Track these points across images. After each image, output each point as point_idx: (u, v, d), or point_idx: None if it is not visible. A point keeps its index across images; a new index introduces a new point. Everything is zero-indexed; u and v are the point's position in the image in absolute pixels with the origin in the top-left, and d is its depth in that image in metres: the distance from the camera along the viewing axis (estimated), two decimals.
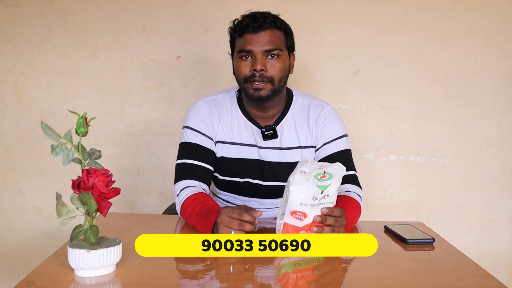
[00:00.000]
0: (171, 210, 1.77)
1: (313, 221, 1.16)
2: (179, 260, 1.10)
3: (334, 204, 1.19)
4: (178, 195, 1.43)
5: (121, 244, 0.98)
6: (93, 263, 0.93)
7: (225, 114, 1.55)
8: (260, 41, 1.41)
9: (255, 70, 1.41)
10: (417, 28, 2.13)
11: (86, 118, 0.98)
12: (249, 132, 1.54)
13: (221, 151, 1.54)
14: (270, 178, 1.54)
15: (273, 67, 1.43)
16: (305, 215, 1.15)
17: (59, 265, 0.99)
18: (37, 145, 2.17)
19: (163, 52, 2.14)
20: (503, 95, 2.16)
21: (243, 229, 1.16)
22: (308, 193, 1.14)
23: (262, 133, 1.52)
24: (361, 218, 1.47)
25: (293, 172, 1.17)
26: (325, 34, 2.13)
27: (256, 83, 1.42)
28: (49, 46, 2.13)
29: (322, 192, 1.15)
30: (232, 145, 1.53)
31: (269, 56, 1.42)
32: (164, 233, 1.29)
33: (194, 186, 1.44)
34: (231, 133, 1.54)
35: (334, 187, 1.16)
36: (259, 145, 1.53)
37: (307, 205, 1.15)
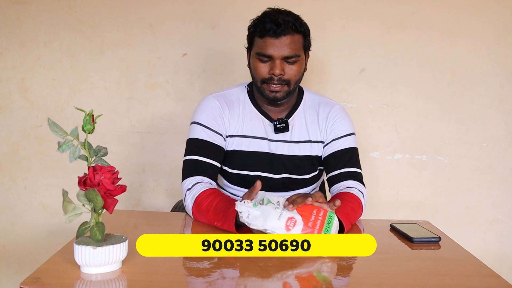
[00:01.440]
0: (178, 207, 1.77)
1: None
2: (185, 258, 1.10)
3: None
4: (190, 189, 1.42)
5: (127, 241, 0.98)
6: (99, 260, 0.93)
7: (235, 108, 1.56)
8: (281, 47, 1.42)
9: (273, 74, 1.44)
10: (424, 26, 2.12)
11: (93, 115, 0.98)
12: (261, 125, 1.55)
13: (232, 145, 1.54)
14: (280, 171, 1.55)
15: (291, 71, 1.46)
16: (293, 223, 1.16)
17: (65, 262, 0.99)
18: (44, 142, 2.18)
19: (169, 49, 2.14)
20: (510, 94, 2.15)
21: None
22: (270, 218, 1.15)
23: (275, 125, 1.54)
24: (366, 217, 1.47)
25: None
26: (331, 32, 2.13)
27: (273, 85, 1.46)
28: (55, 44, 2.14)
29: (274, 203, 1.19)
30: (243, 138, 1.54)
31: (288, 61, 1.44)
32: (165, 233, 1.29)
33: (206, 182, 1.45)
34: (242, 126, 1.55)
35: (272, 198, 1.21)
36: (269, 138, 1.55)
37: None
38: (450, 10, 2.11)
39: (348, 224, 1.29)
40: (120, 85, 2.16)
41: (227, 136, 1.54)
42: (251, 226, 1.15)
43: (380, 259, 1.12)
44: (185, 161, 1.50)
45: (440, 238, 1.25)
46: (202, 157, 1.48)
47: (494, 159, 2.18)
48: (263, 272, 0.99)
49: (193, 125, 1.53)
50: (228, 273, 1.00)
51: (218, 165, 1.52)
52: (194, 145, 1.50)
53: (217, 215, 1.30)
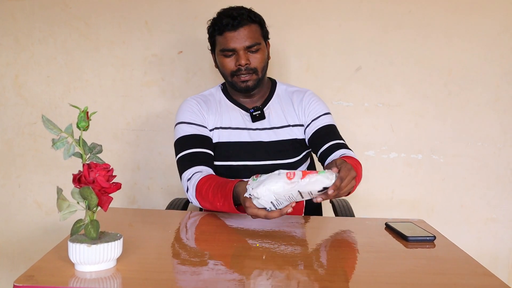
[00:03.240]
0: (174, 205, 1.77)
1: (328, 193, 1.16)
2: (179, 255, 1.10)
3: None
4: (189, 179, 1.47)
5: (121, 239, 0.98)
6: (93, 258, 0.93)
7: (212, 104, 1.66)
8: (241, 38, 1.52)
9: (240, 65, 1.54)
10: (420, 25, 2.12)
11: (87, 113, 0.97)
12: (238, 116, 1.63)
13: (214, 138, 1.61)
14: (263, 157, 1.60)
15: (255, 59, 1.56)
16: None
17: (59, 260, 0.99)
18: (38, 139, 2.17)
19: (165, 47, 2.13)
20: (505, 94, 2.16)
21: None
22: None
23: (251, 113, 1.62)
24: (361, 215, 1.46)
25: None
26: (327, 30, 2.12)
27: (242, 76, 1.55)
28: (50, 40, 2.13)
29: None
30: (222, 130, 1.62)
31: (251, 50, 1.54)
32: (160, 232, 1.29)
33: (204, 171, 1.50)
34: (221, 119, 1.63)
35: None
36: (248, 127, 1.62)
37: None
38: (447, 9, 2.11)
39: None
40: (115, 83, 2.15)
41: (210, 130, 1.62)
42: (256, 201, 1.16)
43: (375, 257, 1.12)
44: (179, 159, 1.55)
45: (435, 237, 1.25)
46: (194, 148, 1.54)
47: (489, 158, 2.19)
48: (259, 269, 0.99)
49: (177, 126, 1.61)
50: (223, 270, 0.99)
51: (211, 153, 1.58)
52: (183, 142, 1.56)
53: (216, 196, 1.35)
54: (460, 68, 2.14)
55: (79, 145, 0.96)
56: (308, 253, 1.12)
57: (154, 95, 2.16)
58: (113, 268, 0.97)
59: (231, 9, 1.55)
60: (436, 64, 2.14)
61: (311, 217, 1.49)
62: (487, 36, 2.13)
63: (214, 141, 1.61)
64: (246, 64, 1.53)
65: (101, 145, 1.00)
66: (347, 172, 1.19)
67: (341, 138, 1.63)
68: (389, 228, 1.35)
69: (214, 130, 1.62)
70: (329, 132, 1.62)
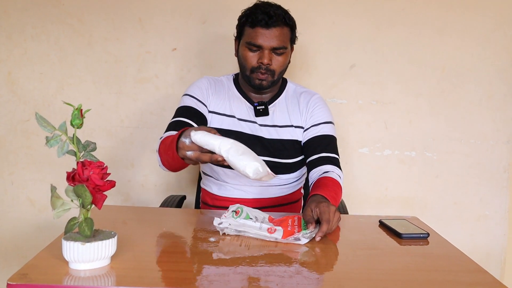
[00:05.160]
0: (168, 202, 1.77)
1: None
2: (173, 253, 1.10)
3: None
4: (161, 137, 1.47)
5: (116, 237, 0.98)
6: (88, 256, 0.92)
7: (221, 90, 1.67)
8: (270, 37, 1.50)
9: (261, 63, 1.52)
10: (414, 23, 2.13)
11: (81, 110, 0.97)
12: (243, 108, 1.63)
13: (215, 122, 1.61)
14: (262, 153, 1.59)
15: (277, 62, 1.55)
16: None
17: (53, 258, 0.99)
18: (31, 136, 2.15)
19: (159, 44, 2.13)
20: (498, 91, 2.17)
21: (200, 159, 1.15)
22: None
23: (255, 108, 1.62)
24: (355, 212, 1.47)
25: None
26: (321, 27, 2.13)
27: (260, 74, 1.54)
28: (43, 37, 2.11)
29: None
30: (225, 116, 1.62)
31: (276, 52, 1.53)
32: (154, 229, 1.29)
33: None
34: (225, 106, 1.63)
35: (251, 212, 1.26)
36: (252, 120, 1.62)
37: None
38: (440, 7, 2.12)
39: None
40: (109, 80, 2.14)
41: (210, 111, 1.62)
42: (228, 231, 1.20)
43: (369, 254, 1.12)
44: (169, 123, 1.56)
45: (428, 234, 1.26)
46: (182, 118, 1.55)
47: (482, 155, 2.20)
48: (255, 268, 0.99)
49: (183, 97, 1.63)
50: (217, 269, 0.99)
51: (196, 126, 1.55)
52: (178, 112, 1.59)
53: (167, 144, 1.28)
54: (453, 66, 2.15)
55: (73, 143, 0.95)
56: (301, 250, 1.12)
57: (148, 92, 2.15)
58: (108, 266, 0.96)
59: (268, 6, 1.52)
60: (429, 62, 2.15)
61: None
62: (480, 33, 2.14)
63: (213, 125, 1.61)
64: (268, 64, 1.52)
65: (95, 143, 1.00)
66: (328, 214, 1.21)
67: (333, 151, 1.60)
68: (382, 225, 1.36)
69: (216, 114, 1.62)
70: (323, 143, 1.60)
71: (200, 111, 1.59)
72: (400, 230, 1.28)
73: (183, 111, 1.58)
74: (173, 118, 1.57)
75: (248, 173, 1.09)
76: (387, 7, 2.12)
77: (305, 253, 1.11)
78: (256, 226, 1.20)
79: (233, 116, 1.62)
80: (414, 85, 2.16)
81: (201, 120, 1.58)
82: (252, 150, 1.53)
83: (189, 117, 1.55)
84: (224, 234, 1.20)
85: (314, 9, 2.11)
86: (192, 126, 1.53)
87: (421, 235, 1.26)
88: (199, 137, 1.10)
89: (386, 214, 1.51)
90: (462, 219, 2.23)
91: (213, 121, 1.62)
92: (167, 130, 1.53)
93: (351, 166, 2.18)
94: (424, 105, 2.17)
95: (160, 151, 1.41)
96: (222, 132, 1.58)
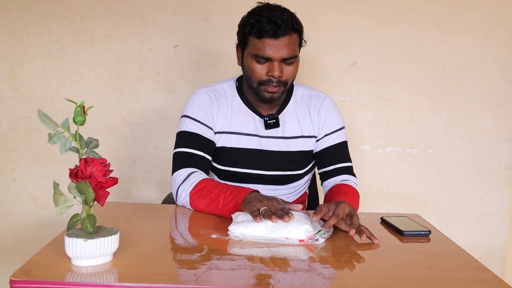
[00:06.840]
0: (170, 199, 1.77)
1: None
2: (176, 250, 1.10)
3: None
4: (187, 178, 1.41)
5: (118, 234, 0.98)
6: (90, 252, 0.93)
7: (224, 104, 1.54)
8: (280, 48, 1.38)
9: (272, 76, 1.41)
10: (416, 20, 2.12)
11: (84, 107, 0.97)
12: (250, 122, 1.53)
13: (221, 141, 1.53)
14: (272, 168, 1.54)
15: (289, 72, 1.44)
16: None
17: (55, 254, 0.99)
18: (33, 133, 2.16)
19: (160, 41, 2.13)
20: (500, 88, 2.17)
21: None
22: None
23: (265, 121, 1.52)
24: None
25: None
26: (323, 25, 2.12)
27: (271, 87, 1.43)
28: (45, 34, 2.11)
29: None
30: (231, 134, 1.52)
31: (286, 62, 1.42)
32: (156, 226, 1.29)
33: (203, 173, 1.45)
34: (231, 122, 1.52)
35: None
36: (260, 134, 1.53)
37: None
38: (442, 4, 2.12)
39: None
40: (110, 77, 2.14)
41: (216, 132, 1.53)
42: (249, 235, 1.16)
43: (370, 252, 1.13)
44: (176, 153, 1.48)
45: (430, 232, 1.26)
46: (194, 150, 1.47)
47: (483, 153, 2.20)
48: (255, 265, 0.99)
49: (183, 118, 1.52)
50: (219, 265, 1.00)
51: (210, 158, 1.51)
52: (185, 138, 1.48)
53: (225, 193, 1.31)
54: (455, 63, 2.15)
55: (76, 140, 0.95)
56: (303, 247, 1.13)
57: (150, 89, 2.15)
58: (110, 262, 0.97)
59: (273, 11, 1.38)
60: (431, 59, 2.15)
61: (307, 211, 1.49)
62: (482, 31, 2.13)
63: (221, 144, 1.52)
64: (279, 76, 1.41)
65: (97, 140, 1.00)
66: (341, 210, 1.21)
67: (347, 160, 1.58)
68: (384, 222, 1.36)
69: (222, 133, 1.52)
70: (337, 152, 1.56)
71: (208, 139, 1.50)
72: (401, 227, 1.28)
73: (192, 140, 1.48)
74: (180, 146, 1.48)
75: (302, 238, 1.14)
76: (389, 5, 2.11)
77: (305, 251, 1.11)
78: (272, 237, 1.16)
79: (239, 133, 1.52)
80: (416, 83, 2.16)
81: (209, 148, 1.50)
82: (262, 164, 1.53)
83: (199, 148, 1.47)
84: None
85: (315, 7, 2.11)
86: (206, 159, 1.49)
87: (423, 233, 1.26)
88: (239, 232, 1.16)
89: (387, 211, 1.52)
90: (464, 217, 2.24)
91: (219, 140, 1.53)
92: (178, 161, 1.47)
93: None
94: (426, 102, 2.17)
95: (201, 202, 1.37)
96: (229, 150, 1.52)
